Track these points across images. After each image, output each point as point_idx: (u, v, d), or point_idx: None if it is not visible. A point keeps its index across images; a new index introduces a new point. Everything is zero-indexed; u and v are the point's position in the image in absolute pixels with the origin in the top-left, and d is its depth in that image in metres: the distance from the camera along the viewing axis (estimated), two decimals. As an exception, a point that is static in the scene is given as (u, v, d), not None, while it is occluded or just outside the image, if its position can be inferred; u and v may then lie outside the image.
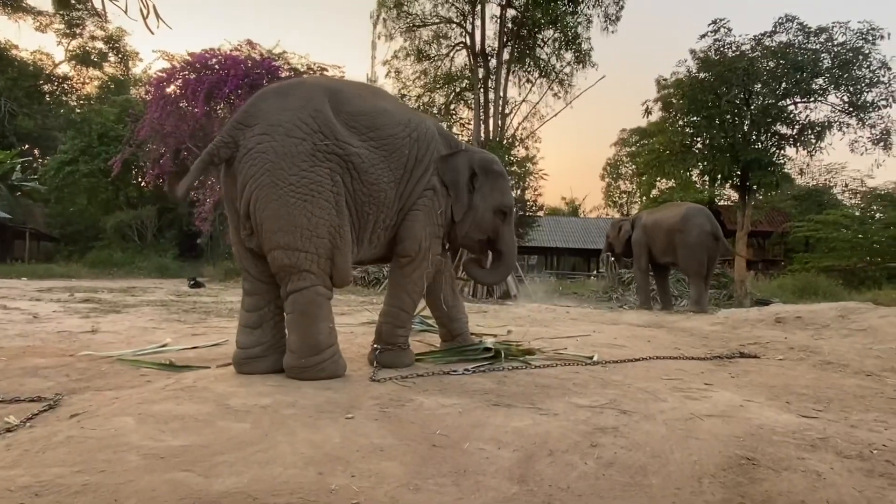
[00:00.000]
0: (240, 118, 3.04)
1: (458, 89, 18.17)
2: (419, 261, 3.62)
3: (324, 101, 3.14)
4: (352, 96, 3.29)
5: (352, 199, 3.18)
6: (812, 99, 15.74)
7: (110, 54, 31.16)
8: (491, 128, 16.12)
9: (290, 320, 3.04)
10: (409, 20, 17.23)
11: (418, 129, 3.56)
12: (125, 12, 3.62)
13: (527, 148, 23.03)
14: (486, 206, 4.03)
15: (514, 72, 16.97)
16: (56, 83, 30.68)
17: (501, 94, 16.27)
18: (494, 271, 4.39)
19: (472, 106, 17.06)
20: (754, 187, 16.50)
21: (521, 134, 18.64)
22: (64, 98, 31.07)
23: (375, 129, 3.30)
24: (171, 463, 1.83)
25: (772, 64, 15.48)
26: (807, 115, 15.95)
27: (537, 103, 17.81)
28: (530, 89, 17.57)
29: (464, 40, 16.95)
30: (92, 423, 2.16)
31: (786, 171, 16.65)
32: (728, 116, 16.08)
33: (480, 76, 16.31)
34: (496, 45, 16.30)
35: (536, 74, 17.27)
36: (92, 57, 30.23)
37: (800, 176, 19.58)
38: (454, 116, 20.06)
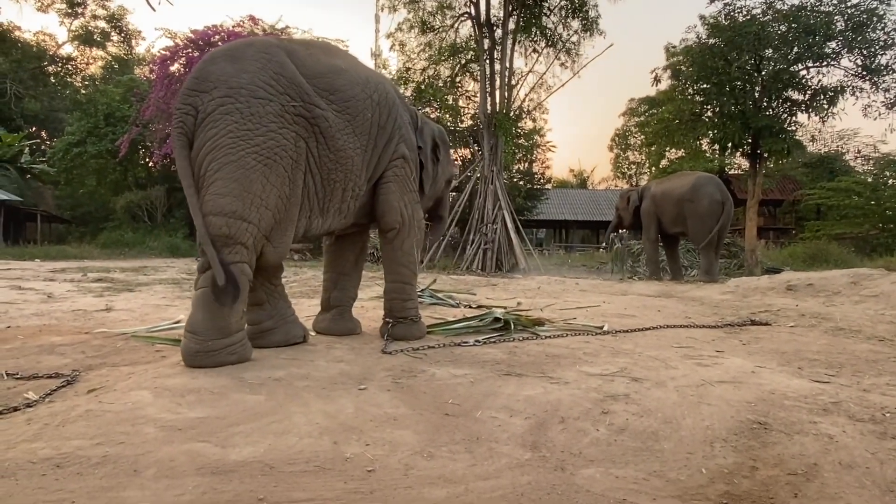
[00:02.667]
0: (192, 85, 2.81)
1: (463, 61, 17.89)
2: (406, 230, 3.64)
3: (285, 60, 2.96)
4: (306, 56, 3.10)
5: (317, 166, 3.04)
6: (824, 63, 15.38)
7: (113, 33, 30.92)
8: (497, 99, 15.88)
9: (203, 295, 2.69)
10: (412, -10, 16.92)
11: (378, 90, 3.41)
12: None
13: (534, 120, 22.83)
14: (443, 177, 4.20)
15: (520, 42, 16.65)
16: (60, 64, 30.60)
17: (507, 64, 15.98)
18: (433, 232, 4.72)
19: (478, 78, 16.81)
20: (765, 155, 16.25)
21: (528, 105, 18.42)
22: (69, 79, 30.99)
23: (335, 91, 3.13)
24: (188, 434, 1.86)
25: (783, 28, 15.10)
26: (819, 80, 15.60)
27: (544, 74, 17.53)
28: (537, 59, 17.26)
29: (468, 10, 16.61)
30: (109, 397, 2.19)
31: (797, 137, 16.36)
32: (738, 83, 15.76)
33: (486, 47, 16.02)
34: (501, 14, 15.98)
35: (543, 44, 16.93)
36: (95, 36, 30.03)
37: (811, 143, 19.31)
38: (460, 89, 19.82)
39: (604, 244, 18.17)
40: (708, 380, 2.73)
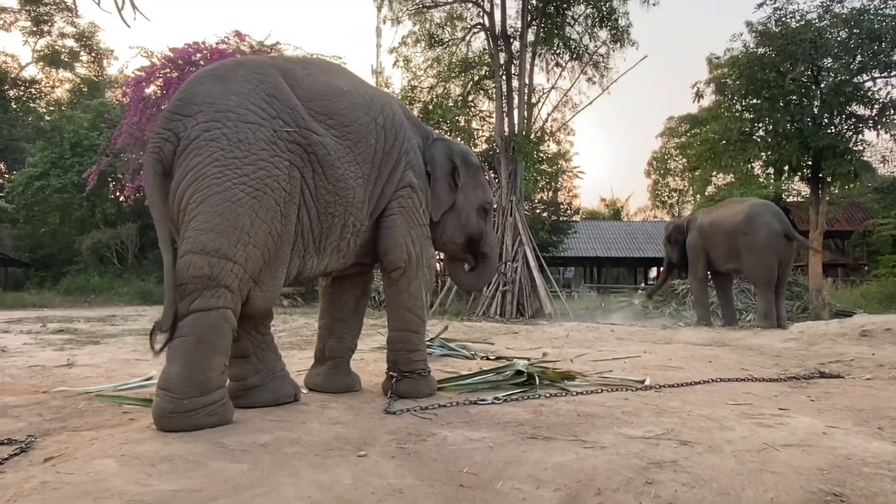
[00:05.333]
0: (174, 108, 2.87)
1: (476, 77, 18.24)
2: (413, 270, 3.63)
3: (279, 81, 3.04)
4: (303, 76, 3.18)
5: (313, 199, 3.09)
6: (894, 73, 15.49)
7: (82, 53, 31.94)
8: (516, 120, 16.10)
9: (180, 346, 2.70)
10: (418, 0, 17.40)
11: (383, 112, 3.49)
12: (98, 4, 3.72)
13: (558, 142, 23.11)
14: (470, 205, 4.13)
15: (540, 55, 16.98)
16: (23, 87, 31.51)
17: (527, 80, 16.26)
18: (480, 275, 4.46)
19: (494, 96, 17.10)
20: (828, 179, 16.25)
21: (552, 126, 18.65)
22: (32, 104, 31.89)
23: (335, 114, 3.21)
24: (158, 510, 1.84)
25: (844, 34, 15.30)
26: (888, 93, 15.69)
27: (569, 90, 17.80)
28: (560, 74, 17.57)
29: (481, 21, 17.03)
30: (69, 466, 2.18)
31: (865, 158, 16.36)
32: (794, 97, 15.89)
33: (502, 61, 16.34)
34: (519, 24, 16.35)
35: (567, 57, 17.26)
36: (62, 57, 31.00)
37: (882, 164, 19.22)
38: (473, 108, 20.14)
39: (646, 286, 18.22)
40: (771, 443, 2.68)
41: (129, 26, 3.76)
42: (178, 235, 2.87)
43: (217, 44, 16.62)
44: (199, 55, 16.05)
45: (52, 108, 31.05)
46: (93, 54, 32.25)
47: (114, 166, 19.74)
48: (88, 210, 23.86)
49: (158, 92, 16.29)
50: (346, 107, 3.27)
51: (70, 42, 31.33)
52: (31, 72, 31.69)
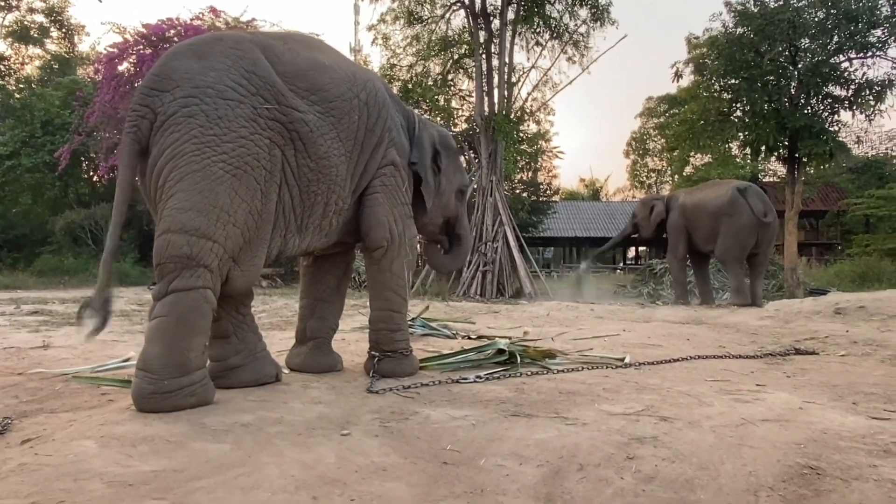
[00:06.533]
0: (151, 83, 2.79)
1: (456, 56, 18.09)
2: (395, 249, 3.63)
3: (258, 57, 2.97)
4: (284, 52, 3.12)
5: (295, 178, 3.05)
6: (869, 54, 15.63)
7: (52, 28, 31.11)
8: (496, 99, 16.03)
9: (159, 327, 2.67)
10: (396, -24, 17.17)
11: (366, 88, 3.45)
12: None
13: (538, 122, 23.10)
14: (451, 189, 4.17)
15: (520, 34, 16.87)
16: (-10, 65, 30.70)
17: (507, 59, 16.16)
18: (456, 257, 4.53)
19: (474, 75, 16.99)
20: (804, 159, 16.43)
21: (531, 106, 18.61)
22: (0, 81, 31.10)
23: (318, 90, 3.16)
24: (140, 491, 1.82)
25: (821, 14, 15.38)
26: (864, 73, 15.84)
27: (549, 70, 17.72)
28: (540, 53, 17.47)
29: (461, -2, 16.87)
30: (47, 448, 2.15)
31: (840, 139, 16.56)
32: (772, 77, 15.98)
33: (482, 40, 16.20)
34: (499, 2, 16.21)
35: (547, 36, 17.16)
36: (31, 32, 30.19)
37: (857, 145, 19.54)
38: (453, 88, 20.00)
39: (595, 255, 18.66)
40: (749, 418, 2.72)
41: (100, 1, 3.66)
42: (156, 214, 2.83)
43: (191, 20, 16.32)
44: (172, 31, 15.76)
45: (21, 86, 30.25)
46: (63, 30, 31.42)
47: (87, 145, 19.37)
48: (61, 190, 23.44)
49: (132, 69, 15.99)
50: (328, 82, 3.22)
51: (39, 17, 30.47)
52: (0, 48, 30.89)
